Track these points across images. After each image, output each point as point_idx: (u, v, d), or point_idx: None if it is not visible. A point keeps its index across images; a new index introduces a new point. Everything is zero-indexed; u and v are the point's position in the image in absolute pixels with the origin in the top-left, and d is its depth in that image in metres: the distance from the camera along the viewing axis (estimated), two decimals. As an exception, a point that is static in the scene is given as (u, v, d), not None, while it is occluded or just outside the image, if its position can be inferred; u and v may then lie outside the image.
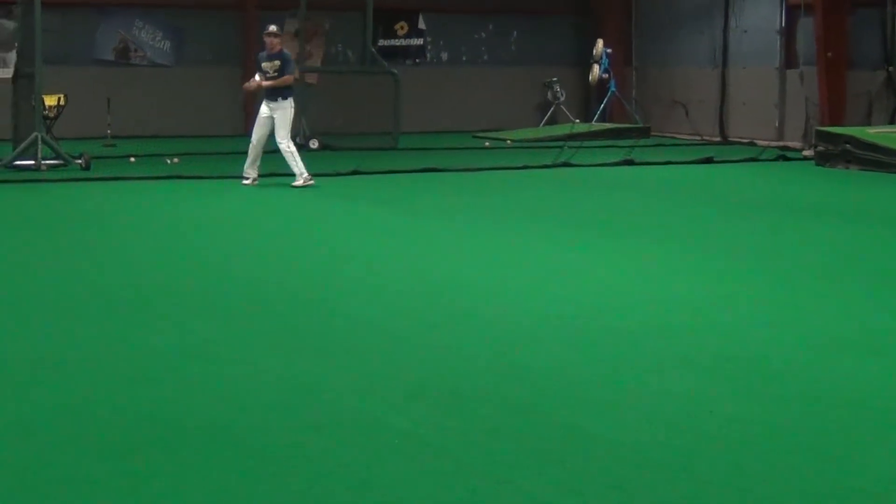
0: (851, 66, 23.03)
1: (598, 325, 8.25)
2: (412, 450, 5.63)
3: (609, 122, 27.71)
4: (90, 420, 6.09)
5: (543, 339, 7.86)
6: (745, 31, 26.05)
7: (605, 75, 27.73)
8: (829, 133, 20.26)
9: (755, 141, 24.95)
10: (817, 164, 20.02)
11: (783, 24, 25.24)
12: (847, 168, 19.33)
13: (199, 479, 5.25)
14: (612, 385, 6.76)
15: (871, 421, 6.14)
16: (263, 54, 16.94)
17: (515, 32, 29.37)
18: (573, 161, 20.23)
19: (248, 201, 15.51)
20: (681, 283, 9.96)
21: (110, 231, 13.02)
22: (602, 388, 6.71)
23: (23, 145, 18.56)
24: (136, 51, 26.50)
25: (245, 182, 16.84)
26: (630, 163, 20.38)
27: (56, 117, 19.63)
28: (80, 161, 18.54)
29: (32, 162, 18.41)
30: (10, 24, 24.10)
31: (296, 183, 16.55)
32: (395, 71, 24.63)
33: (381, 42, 27.58)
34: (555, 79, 28.72)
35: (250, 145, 16.81)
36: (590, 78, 28.05)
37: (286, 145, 16.54)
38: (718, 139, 26.15)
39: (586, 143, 23.02)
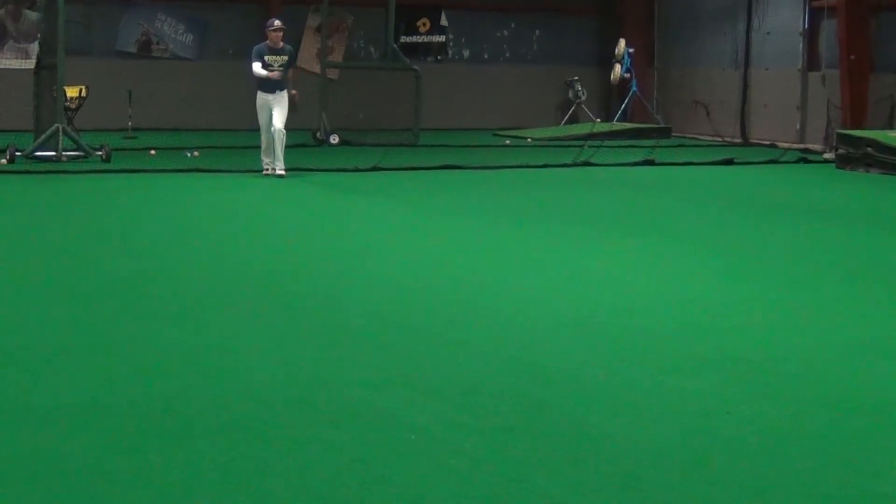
0: (874, 69, 22.94)
1: (615, 325, 8.23)
2: (428, 447, 5.62)
3: (630, 121, 27.67)
4: (105, 411, 6.10)
5: (561, 338, 7.85)
6: (768, 33, 25.96)
7: (627, 75, 27.71)
8: (850, 136, 20.19)
9: (776, 143, 24.87)
10: (838, 167, 19.95)
11: (806, 27, 25.15)
12: (868, 171, 19.25)
13: (214, 473, 5.25)
14: (629, 385, 6.74)
15: (890, 424, 6.10)
16: (264, 46, 17.40)
17: (538, 31, 29.33)
18: (593, 160, 20.20)
19: (267, 195, 15.53)
20: (700, 283, 9.94)
21: (129, 223, 13.04)
22: (619, 387, 6.69)
23: (44, 136, 18.62)
24: (158, 44, 26.56)
25: (266, 172, 17.29)
26: (650, 163, 20.35)
27: (77, 109, 19.66)
28: (100, 153, 18.59)
29: (53, 153, 18.47)
30: (33, 15, 24.19)
31: (270, 170, 17.28)
32: (417, 67, 24.63)
33: (403, 38, 27.59)
34: (576, 78, 28.69)
35: (262, 133, 17.36)
36: (611, 77, 28.03)
37: (283, 131, 17.10)
38: (739, 141, 26.08)
39: (607, 143, 22.99)
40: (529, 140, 25.24)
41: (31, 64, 21.34)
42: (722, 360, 7.30)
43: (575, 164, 19.94)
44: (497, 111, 28.37)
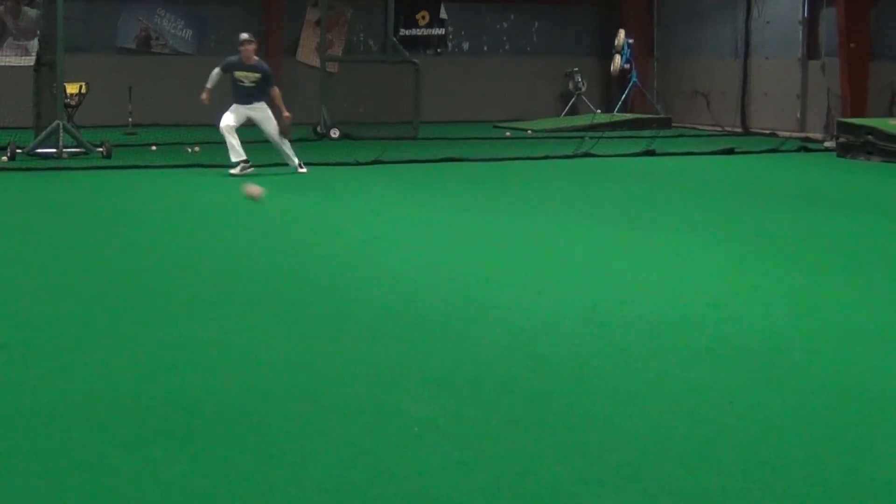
0: (874, 57, 22.91)
1: (618, 316, 8.23)
2: (433, 439, 5.62)
3: (630, 112, 27.65)
4: (110, 407, 6.10)
5: (564, 330, 7.85)
6: (768, 22, 25.94)
7: (627, 66, 27.69)
8: (850, 124, 20.17)
9: (776, 132, 24.84)
10: (839, 156, 19.93)
11: (806, 15, 25.12)
12: (868, 160, 19.23)
13: (218, 467, 5.26)
14: (632, 376, 6.74)
15: (892, 412, 6.11)
16: (235, 60, 16.92)
17: (537, 22, 29.30)
18: (594, 151, 20.19)
19: (268, 190, 15.49)
20: (702, 273, 9.94)
21: (131, 219, 13.04)
22: (623, 378, 6.69)
23: (44, 133, 18.61)
24: (157, 39, 26.55)
25: (233, 171, 16.66)
26: (651, 153, 20.34)
27: (77, 105, 19.66)
28: (101, 149, 18.58)
29: (54, 150, 18.46)
30: (32, 12, 24.19)
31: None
32: (416, 61, 24.61)
33: (403, 31, 27.56)
34: (576, 69, 28.67)
35: (224, 134, 16.81)
36: (611, 68, 28.01)
37: (282, 138, 16.82)
38: (740, 130, 26.06)
39: (607, 134, 22.98)
40: (529, 132, 25.21)
41: (30, 61, 21.31)
42: (724, 350, 7.30)
43: (575, 156, 19.93)
44: (497, 103, 28.35)
